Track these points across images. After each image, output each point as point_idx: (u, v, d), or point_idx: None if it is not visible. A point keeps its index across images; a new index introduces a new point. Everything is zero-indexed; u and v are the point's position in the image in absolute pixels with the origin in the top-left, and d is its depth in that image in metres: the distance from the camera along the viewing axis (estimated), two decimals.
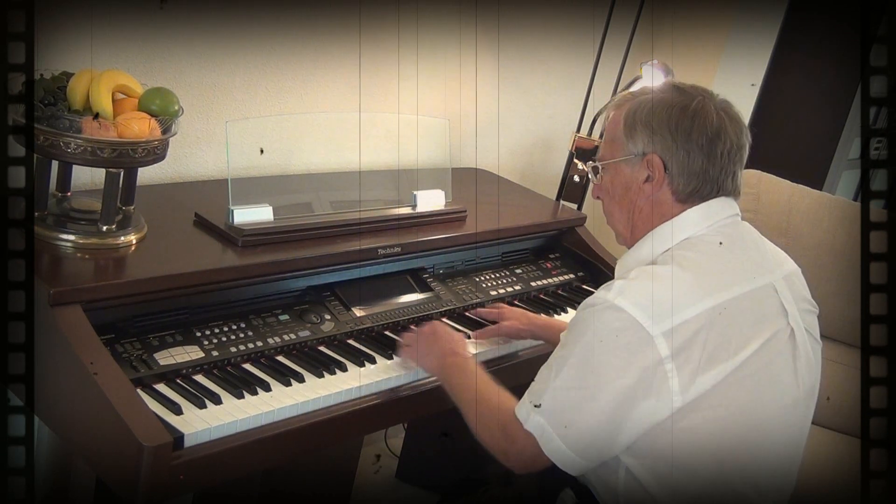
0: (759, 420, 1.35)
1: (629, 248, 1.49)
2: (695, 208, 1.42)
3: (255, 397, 1.47)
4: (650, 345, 1.28)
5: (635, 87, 2.52)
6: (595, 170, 1.52)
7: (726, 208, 1.44)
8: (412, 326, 1.79)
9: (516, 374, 1.77)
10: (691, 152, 1.40)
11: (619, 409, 1.29)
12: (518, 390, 1.46)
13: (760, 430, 1.36)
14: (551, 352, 1.41)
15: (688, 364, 1.29)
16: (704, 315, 1.31)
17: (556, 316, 2.03)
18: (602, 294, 1.34)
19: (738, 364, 1.32)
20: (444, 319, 1.89)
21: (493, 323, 1.88)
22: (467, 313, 1.92)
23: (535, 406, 1.34)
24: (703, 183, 1.41)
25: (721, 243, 1.40)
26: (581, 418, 1.31)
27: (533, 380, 1.39)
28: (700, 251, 1.39)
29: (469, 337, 1.82)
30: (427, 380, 1.67)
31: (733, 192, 1.45)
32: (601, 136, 2.62)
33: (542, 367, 1.38)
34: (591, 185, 1.57)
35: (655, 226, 1.44)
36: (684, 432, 1.30)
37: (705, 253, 1.39)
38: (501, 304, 1.95)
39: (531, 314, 1.89)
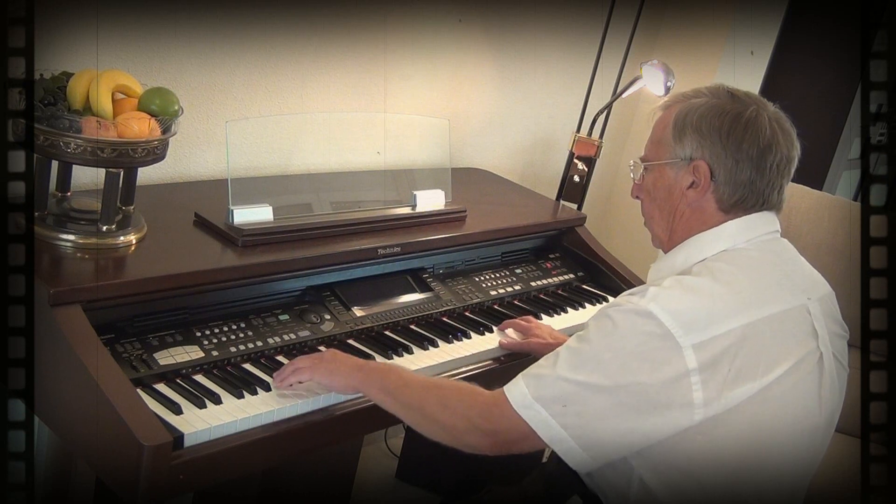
0: (777, 442, 1.33)
1: (665, 253, 1.47)
2: (736, 220, 1.40)
3: (255, 397, 1.47)
4: (679, 355, 1.25)
5: (634, 88, 2.53)
6: (637, 169, 1.49)
7: (767, 224, 1.42)
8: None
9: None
10: (740, 162, 1.37)
11: (634, 412, 1.27)
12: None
13: (778, 451, 1.33)
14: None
15: (714, 379, 1.26)
16: (736, 332, 1.28)
17: (555, 316, 2.03)
18: (635, 298, 1.30)
19: (765, 385, 1.29)
20: (445, 318, 1.89)
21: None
22: (500, 329, 1.89)
23: (534, 391, 1.30)
24: (748, 194, 1.39)
25: (758, 259, 1.38)
26: (592, 414, 1.28)
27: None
28: (737, 265, 1.36)
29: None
30: None
31: (777, 206, 1.43)
32: (601, 136, 2.63)
33: (548, 354, 1.35)
34: (631, 184, 1.54)
35: (695, 233, 1.42)
36: (702, 447, 1.28)
37: (742, 267, 1.36)
38: (530, 318, 1.91)
39: (559, 335, 1.84)
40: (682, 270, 1.39)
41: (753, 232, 1.40)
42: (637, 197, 1.51)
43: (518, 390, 1.32)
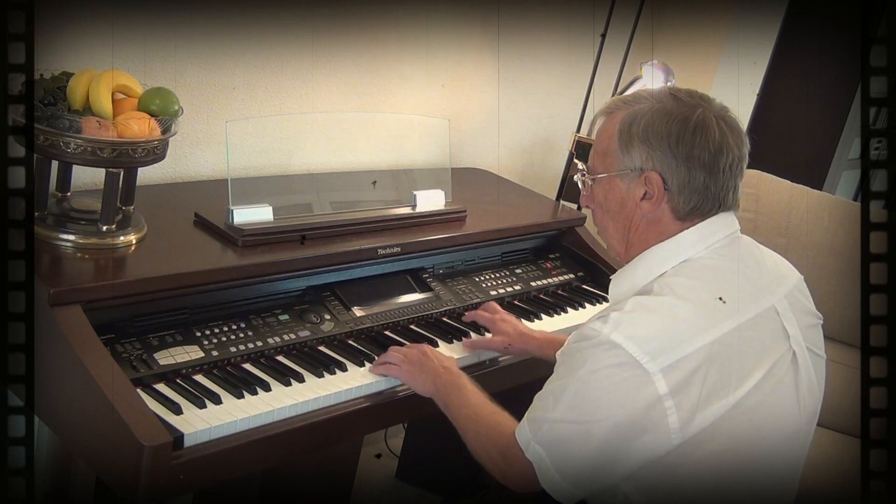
0: (759, 452, 1.32)
1: (623, 265, 1.44)
2: (693, 229, 1.36)
3: (255, 397, 1.47)
4: (648, 382, 1.23)
5: (634, 88, 2.53)
6: (586, 181, 1.45)
7: (725, 226, 1.38)
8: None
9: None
10: (693, 169, 1.33)
11: (616, 445, 1.25)
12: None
13: (761, 461, 1.32)
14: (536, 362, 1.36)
15: (687, 401, 1.24)
16: (704, 349, 1.26)
17: (555, 316, 2.03)
18: (597, 326, 1.28)
19: (740, 397, 1.27)
20: (445, 318, 1.89)
21: (477, 327, 1.86)
22: (463, 317, 1.89)
23: (535, 434, 1.31)
24: (703, 200, 1.35)
25: (719, 268, 1.36)
26: (577, 452, 1.27)
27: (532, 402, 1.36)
28: (698, 278, 1.34)
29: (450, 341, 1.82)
30: None
31: (734, 206, 1.39)
32: None
33: (540, 394, 1.34)
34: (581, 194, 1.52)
35: (652, 244, 1.38)
36: (683, 468, 1.27)
37: (704, 280, 1.33)
38: (497, 308, 1.88)
39: (525, 330, 1.80)
40: (642, 287, 1.36)
41: (712, 238, 1.37)
42: (587, 207, 1.49)
43: (524, 435, 1.33)
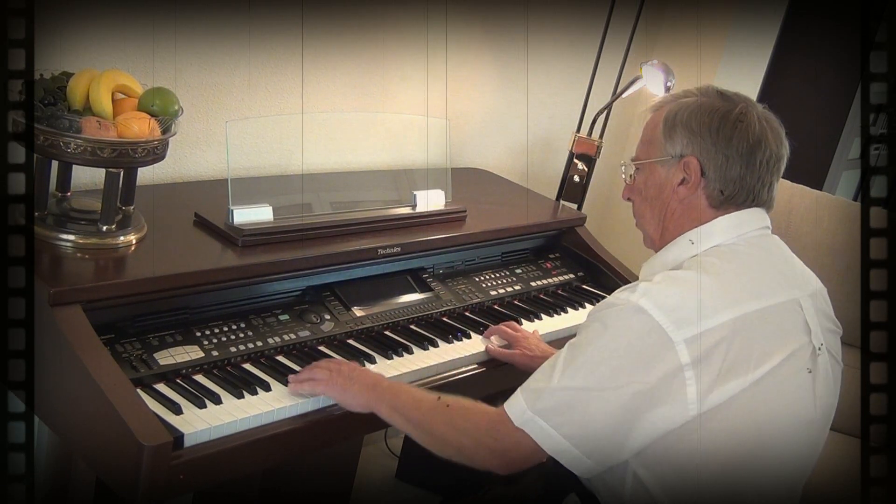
0: (772, 436, 1.33)
1: (657, 251, 1.48)
2: (727, 216, 1.41)
3: (255, 397, 1.47)
4: (671, 350, 1.25)
5: (634, 88, 2.53)
6: (628, 170, 1.50)
7: (758, 220, 1.42)
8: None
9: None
10: (730, 158, 1.38)
11: (633, 412, 1.27)
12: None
13: (773, 445, 1.34)
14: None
15: (707, 373, 1.26)
16: (728, 325, 1.28)
17: (555, 316, 2.03)
18: (624, 295, 1.31)
19: (758, 378, 1.29)
20: (445, 318, 1.89)
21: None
22: (485, 338, 1.85)
23: (532, 405, 1.30)
24: (738, 190, 1.40)
25: (749, 254, 1.39)
26: (591, 419, 1.28)
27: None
28: (728, 260, 1.37)
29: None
30: (427, 379, 1.67)
31: (767, 204, 1.44)
32: (601, 136, 2.63)
33: (543, 365, 1.35)
34: (621, 186, 1.56)
35: (686, 230, 1.43)
36: (695, 443, 1.28)
37: (733, 262, 1.37)
38: (517, 326, 1.87)
39: (546, 346, 1.82)
40: (673, 266, 1.40)
41: (744, 227, 1.41)
42: (628, 198, 1.53)
43: (518, 406, 1.32)
